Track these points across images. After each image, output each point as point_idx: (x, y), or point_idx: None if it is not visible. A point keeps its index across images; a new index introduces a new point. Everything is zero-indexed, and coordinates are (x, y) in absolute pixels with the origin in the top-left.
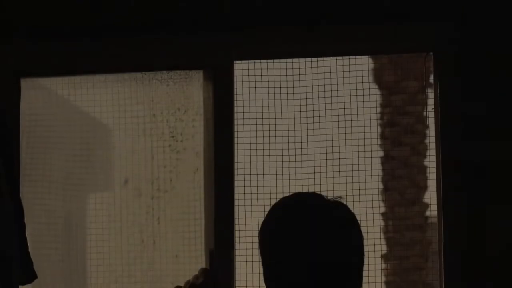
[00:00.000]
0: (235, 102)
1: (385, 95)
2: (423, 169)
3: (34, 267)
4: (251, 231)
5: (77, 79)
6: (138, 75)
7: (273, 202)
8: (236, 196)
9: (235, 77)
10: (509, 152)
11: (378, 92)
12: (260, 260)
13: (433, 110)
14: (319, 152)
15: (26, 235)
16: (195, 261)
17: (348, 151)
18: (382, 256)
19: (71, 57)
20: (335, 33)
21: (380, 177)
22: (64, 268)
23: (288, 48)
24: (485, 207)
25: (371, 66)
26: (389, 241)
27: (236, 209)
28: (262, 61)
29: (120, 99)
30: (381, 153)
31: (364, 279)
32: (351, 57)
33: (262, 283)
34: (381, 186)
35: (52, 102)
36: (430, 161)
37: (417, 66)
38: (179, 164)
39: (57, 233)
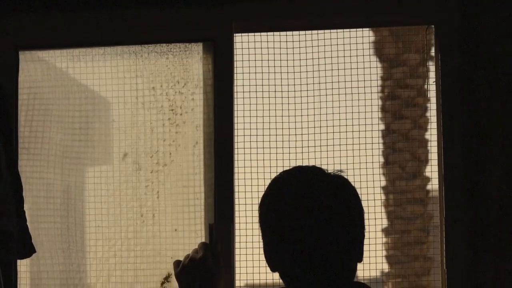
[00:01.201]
0: (235, 75)
1: (386, 68)
2: (424, 142)
3: (33, 241)
4: (251, 205)
5: (75, 51)
6: (137, 48)
7: (273, 176)
8: (236, 170)
9: (235, 49)
10: (509, 123)
11: (378, 65)
12: (260, 234)
13: (434, 83)
14: (319, 126)
15: (24, 209)
16: (194, 235)
17: (348, 124)
18: (383, 230)
19: (69, 29)
20: (335, 5)
21: (380, 150)
22: (62, 242)
23: (288, 20)
24: (487, 180)
25: (372, 38)
26: (390, 215)
27: (236, 182)
28: (262, 33)
29: (119, 72)
30: (382, 127)
31: (365, 253)
32: (351, 29)
33: (262, 257)
34: (381, 159)
35: (50, 75)
36: (431, 134)
37: (418, 38)
38: (178, 138)
39: (56, 207)
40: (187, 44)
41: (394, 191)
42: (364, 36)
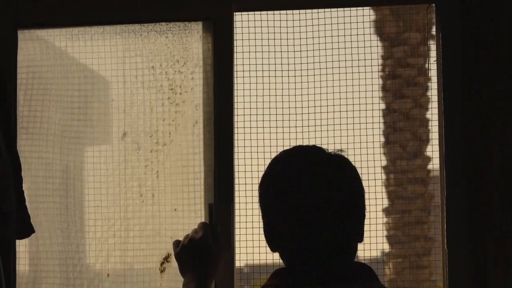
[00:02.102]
0: (235, 54)
1: (386, 47)
2: (425, 121)
3: (31, 221)
4: (251, 185)
5: (75, 30)
6: (137, 26)
7: (274, 155)
8: (236, 149)
9: (235, 28)
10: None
11: (379, 44)
12: (260, 214)
13: (435, 62)
14: (319, 105)
15: (23, 189)
16: (194, 215)
17: (349, 103)
18: (383, 210)
19: (68, 8)
20: None
21: (381, 130)
22: (61, 222)
23: None
24: (489, 160)
25: (372, 17)
26: (390, 194)
27: (236, 162)
28: (262, 12)
29: (118, 51)
30: (383, 106)
31: (366, 233)
32: (352, 8)
33: (262, 237)
34: (382, 139)
35: (49, 54)
36: (432, 113)
37: (419, 17)
38: (178, 117)
39: (55, 186)
40: (186, 23)
41: (395, 171)
42: (365, 15)
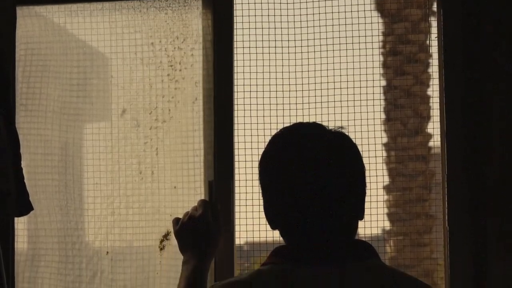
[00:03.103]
0: (235, 30)
1: (387, 23)
2: (426, 98)
3: (30, 198)
4: (251, 162)
5: (73, 6)
6: (136, 2)
7: (274, 132)
8: (236, 126)
9: (234, 5)
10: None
11: (380, 20)
12: (260, 191)
13: (436, 38)
14: (320, 82)
15: (21, 166)
16: (194, 192)
17: (349, 80)
18: (384, 188)
19: None
20: None
21: (382, 106)
22: (60, 199)
23: None
24: (490, 136)
25: None
26: (391, 172)
27: (235, 139)
28: None
29: (117, 27)
30: (383, 83)
31: (366, 211)
32: None
33: (262, 215)
34: (383, 116)
35: (48, 30)
36: (434, 90)
37: None
38: (177, 94)
39: (54, 164)
40: None
41: (396, 148)
42: None
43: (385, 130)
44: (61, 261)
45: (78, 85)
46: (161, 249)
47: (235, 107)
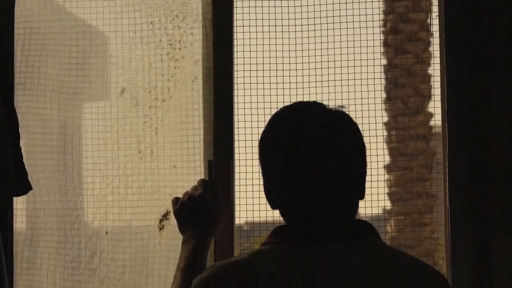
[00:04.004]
0: (235, 9)
1: (388, 2)
2: (427, 77)
3: (29, 178)
4: (251, 141)
5: None
6: None
7: (274, 111)
8: (235, 106)
9: None
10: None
11: None
12: (260, 171)
13: (437, 17)
14: (320, 61)
15: (20, 145)
16: (193, 172)
17: (350, 59)
18: (385, 167)
19: None
20: None
21: (382, 85)
22: (59, 179)
23: None
24: (491, 115)
25: None
26: (392, 151)
27: (235, 118)
28: None
29: (116, 6)
30: (384, 61)
31: (367, 190)
32: None
33: (262, 195)
34: (383, 95)
35: (47, 9)
36: (434, 69)
37: None
38: (177, 73)
39: (53, 143)
40: None
41: (397, 127)
42: None
43: (385, 109)
44: (60, 241)
45: (77, 64)
46: (160, 228)
47: (235, 86)
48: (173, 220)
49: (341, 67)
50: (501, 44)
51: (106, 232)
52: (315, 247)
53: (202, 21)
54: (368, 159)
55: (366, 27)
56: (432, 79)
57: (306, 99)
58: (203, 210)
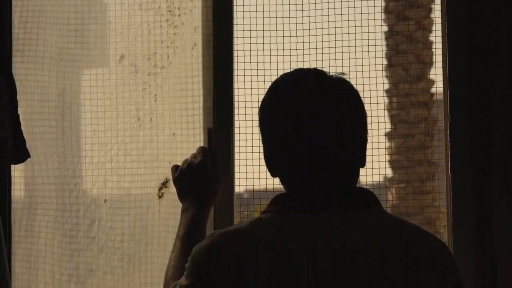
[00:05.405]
0: None
1: None
2: (429, 44)
3: (27, 146)
4: (251, 109)
5: None
6: None
7: (274, 78)
8: (235, 72)
9: None
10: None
11: None
12: (260, 138)
13: None
14: (321, 27)
15: (18, 113)
16: (193, 139)
17: (351, 26)
18: (386, 135)
19: None
20: None
21: (384, 52)
22: (58, 146)
23: None
24: (493, 82)
25: None
26: (393, 118)
27: (235, 85)
28: None
29: None
30: (385, 28)
31: (368, 158)
32: None
33: (262, 162)
34: (385, 62)
35: None
36: (436, 36)
37: None
38: (176, 39)
39: (51, 110)
40: None
41: (398, 94)
42: None
43: (387, 76)
44: (59, 209)
45: (76, 31)
46: (159, 196)
47: (235, 53)
48: (172, 188)
49: (341, 33)
50: (504, 7)
51: (105, 200)
52: (315, 215)
53: None
54: (369, 126)
55: None
56: (433, 46)
57: (306, 66)
58: (203, 178)
